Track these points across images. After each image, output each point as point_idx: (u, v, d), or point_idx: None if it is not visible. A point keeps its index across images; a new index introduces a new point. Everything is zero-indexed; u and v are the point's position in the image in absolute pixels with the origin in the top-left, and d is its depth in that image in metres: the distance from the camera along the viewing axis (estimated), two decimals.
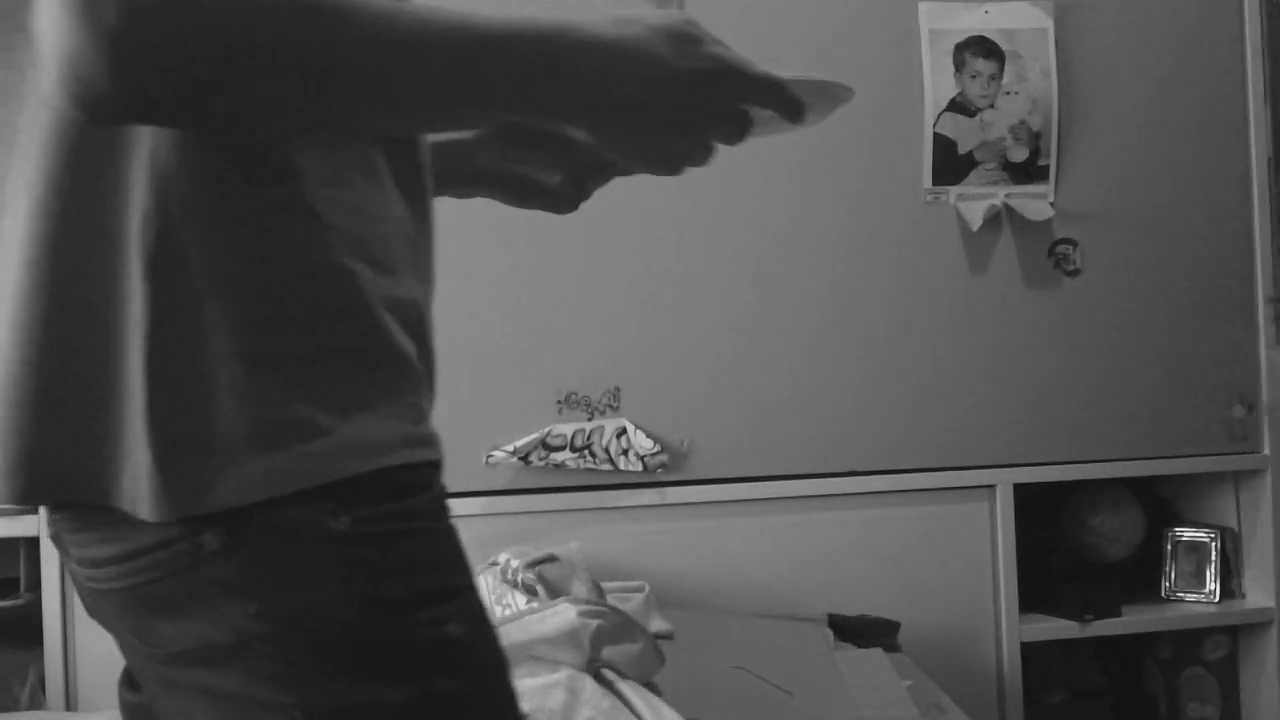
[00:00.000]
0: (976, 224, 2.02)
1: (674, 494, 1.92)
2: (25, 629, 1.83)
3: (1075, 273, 2.07)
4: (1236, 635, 2.21)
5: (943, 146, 2.02)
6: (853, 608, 1.94)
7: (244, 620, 0.68)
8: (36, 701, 1.79)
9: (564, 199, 0.94)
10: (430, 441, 0.74)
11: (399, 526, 0.71)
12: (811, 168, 1.97)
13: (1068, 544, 2.20)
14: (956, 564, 2.01)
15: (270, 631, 0.68)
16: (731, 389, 1.94)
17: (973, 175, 2.03)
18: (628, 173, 0.86)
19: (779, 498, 1.96)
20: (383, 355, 0.73)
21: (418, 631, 0.70)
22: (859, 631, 1.85)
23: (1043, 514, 2.20)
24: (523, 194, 0.93)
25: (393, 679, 0.69)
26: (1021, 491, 2.05)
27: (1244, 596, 2.19)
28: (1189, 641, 2.21)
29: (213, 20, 0.56)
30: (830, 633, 1.81)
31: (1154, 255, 2.09)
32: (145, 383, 0.67)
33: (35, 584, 1.82)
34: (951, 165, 2.02)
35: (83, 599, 0.83)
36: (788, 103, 0.76)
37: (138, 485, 0.68)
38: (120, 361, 0.69)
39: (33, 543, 1.82)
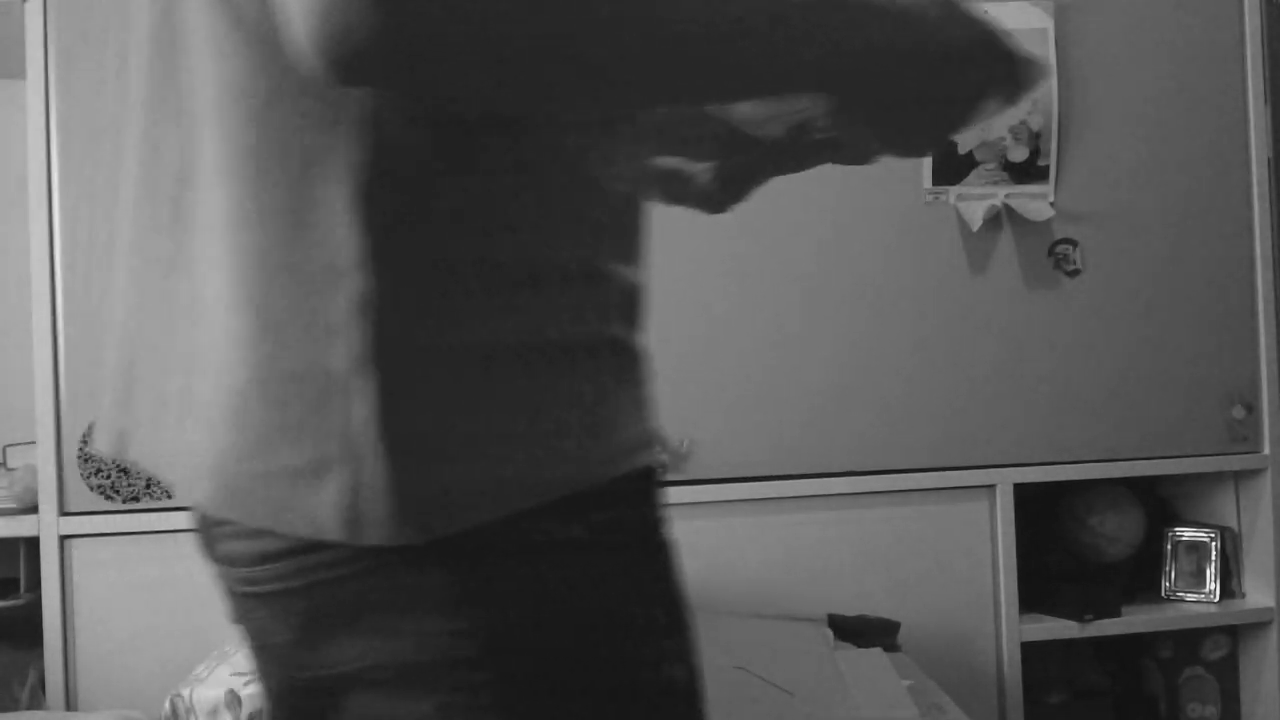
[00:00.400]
0: (976, 224, 2.02)
1: (674, 494, 1.91)
2: (25, 629, 1.83)
3: (1075, 273, 2.07)
4: (1236, 635, 2.21)
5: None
6: (853, 608, 1.94)
7: (446, 639, 0.57)
8: (36, 701, 1.79)
9: (715, 197, 0.86)
10: (658, 440, 0.67)
11: (634, 537, 0.62)
12: (813, 170, 1.97)
13: (1068, 544, 2.20)
14: (956, 564, 2.01)
15: (478, 656, 0.57)
16: (731, 389, 1.94)
17: (973, 175, 2.03)
18: (782, 171, 0.79)
19: (779, 498, 1.96)
20: (626, 346, 0.65)
21: (644, 674, 0.61)
22: (859, 631, 1.85)
23: (1043, 514, 2.20)
24: (672, 191, 0.84)
25: None
26: (1021, 491, 2.05)
27: (1244, 596, 2.19)
28: (1189, 641, 2.21)
29: None
30: (830, 633, 1.80)
31: (1154, 255, 2.09)
32: (375, 380, 0.56)
33: (35, 584, 1.82)
34: (951, 165, 2.02)
35: (232, 606, 0.70)
36: (1025, 83, 0.65)
37: (357, 499, 0.56)
38: (337, 356, 0.57)
39: (33, 543, 1.82)
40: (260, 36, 0.58)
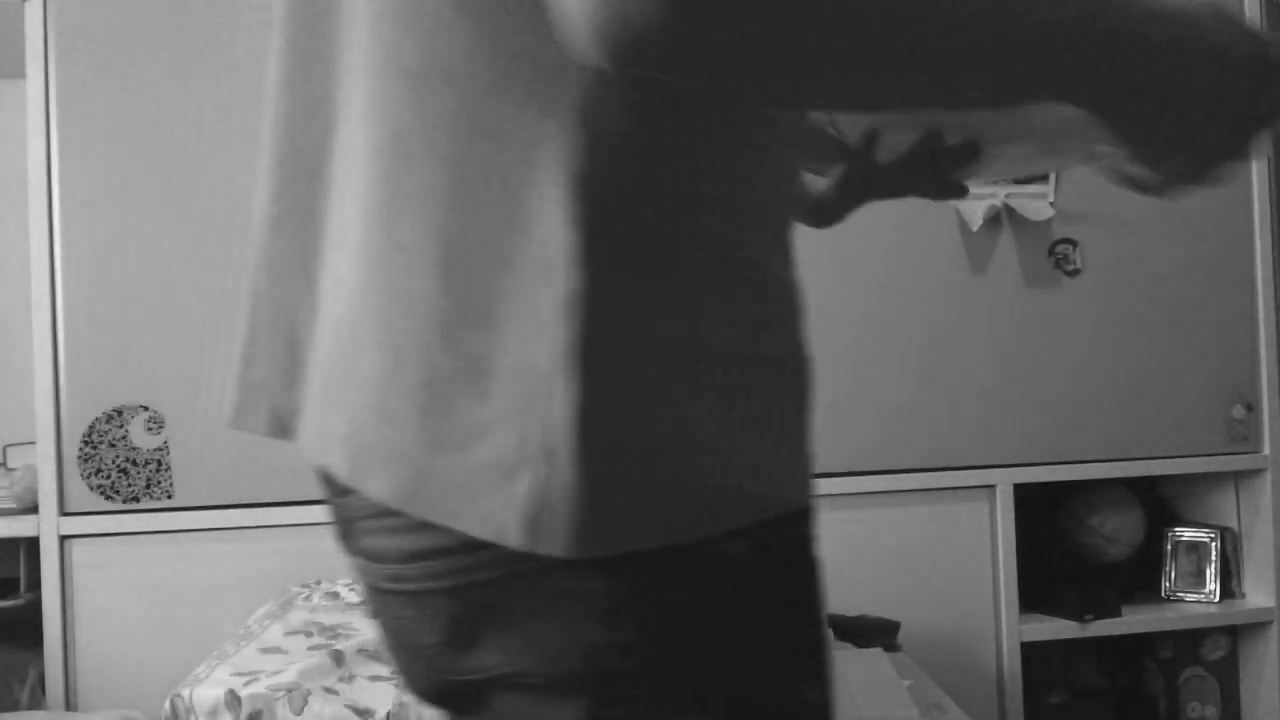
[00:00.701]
0: (976, 224, 2.02)
1: None
2: (25, 629, 1.83)
3: (1075, 273, 2.07)
4: (1236, 635, 2.21)
5: None
6: (853, 608, 1.94)
7: (603, 650, 0.55)
8: (36, 701, 1.79)
9: (826, 211, 0.80)
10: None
11: (794, 556, 0.60)
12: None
13: (1068, 544, 2.20)
14: (957, 564, 2.01)
15: (634, 670, 0.56)
16: None
17: None
18: (900, 194, 0.73)
19: None
20: (802, 361, 0.63)
21: (787, 697, 0.59)
22: (859, 631, 1.85)
23: (1043, 514, 2.20)
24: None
25: None
26: (1021, 491, 2.05)
27: (1244, 596, 2.19)
28: (1189, 641, 2.21)
29: None
30: (830, 633, 1.80)
31: (1154, 255, 2.09)
32: (578, 380, 0.54)
33: (35, 584, 1.82)
34: None
35: (371, 602, 0.69)
36: None
37: (544, 505, 0.54)
38: (542, 352, 0.55)
39: (32, 543, 1.82)
40: (483, 15, 0.56)
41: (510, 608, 0.57)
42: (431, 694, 0.65)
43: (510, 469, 0.54)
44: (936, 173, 0.81)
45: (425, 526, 0.57)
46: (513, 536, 0.54)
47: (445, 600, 0.59)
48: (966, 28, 0.50)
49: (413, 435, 0.57)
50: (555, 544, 0.53)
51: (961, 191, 0.86)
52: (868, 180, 0.82)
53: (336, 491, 0.65)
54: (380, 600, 0.66)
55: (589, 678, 0.56)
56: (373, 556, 0.64)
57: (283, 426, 0.70)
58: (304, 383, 0.67)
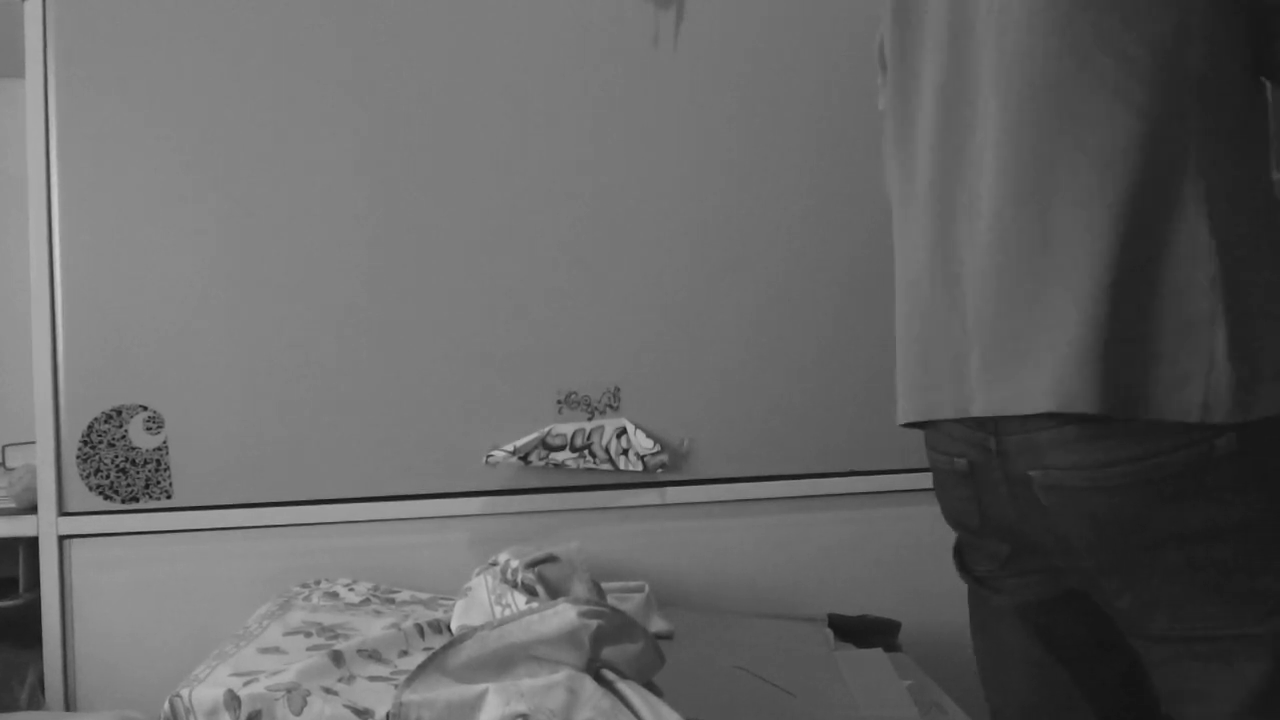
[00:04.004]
0: None
1: (674, 494, 1.92)
2: (24, 629, 1.83)
3: None
4: None
5: None
6: (853, 608, 1.94)
7: (1244, 509, 0.89)
8: (36, 701, 1.79)
9: None
10: None
11: None
12: (811, 168, 1.97)
13: None
14: None
15: (1262, 518, 0.90)
16: (731, 389, 1.94)
17: None
18: None
19: (779, 498, 1.96)
20: None
21: None
22: (859, 631, 1.85)
23: None
24: None
25: None
26: None
27: None
28: None
29: None
30: (830, 633, 1.80)
31: None
32: (1223, 307, 0.88)
33: (35, 584, 1.82)
34: None
35: (1042, 498, 0.99)
36: None
37: (1207, 397, 0.88)
38: (1190, 276, 0.90)
39: (31, 543, 1.82)
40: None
41: (1182, 490, 0.89)
42: (1099, 564, 0.97)
43: (1189, 376, 0.88)
44: None
45: (1120, 444, 0.90)
46: (1198, 414, 0.88)
47: (1129, 493, 0.90)
48: None
49: (1124, 363, 0.90)
50: (1224, 414, 0.87)
51: None
52: None
53: (1012, 430, 0.98)
54: (1059, 496, 0.96)
55: (1237, 528, 0.89)
56: (1063, 466, 0.94)
57: (957, 409, 1.06)
58: (975, 369, 1.02)
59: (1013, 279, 0.96)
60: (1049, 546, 1.03)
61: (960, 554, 1.21)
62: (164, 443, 1.80)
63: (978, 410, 1.03)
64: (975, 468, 1.08)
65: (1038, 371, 0.94)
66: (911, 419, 1.18)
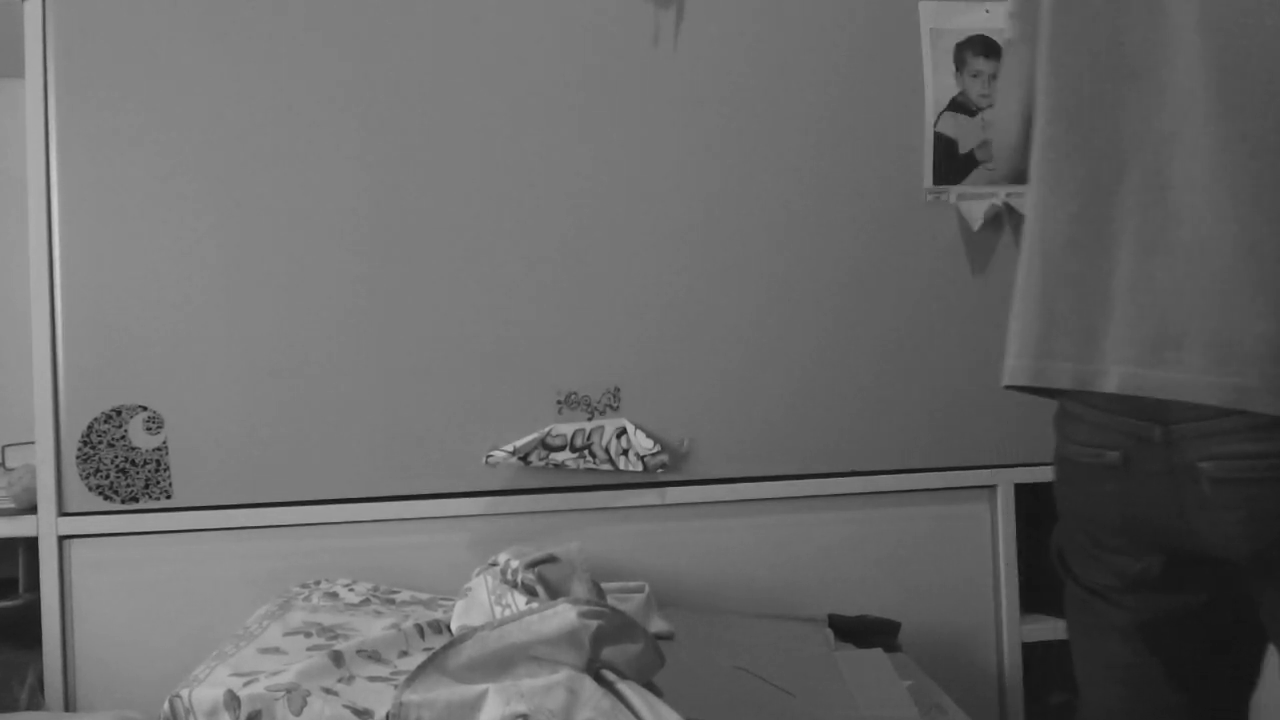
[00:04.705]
0: (977, 224, 2.02)
1: (674, 494, 1.92)
2: (24, 629, 1.83)
3: None
4: None
5: (943, 146, 2.02)
6: (853, 608, 1.94)
7: None
8: (35, 701, 1.78)
9: None
10: None
11: None
12: (812, 168, 1.97)
13: None
14: (957, 564, 2.01)
15: None
16: (731, 389, 1.94)
17: (974, 175, 2.03)
18: None
19: (779, 498, 1.96)
20: None
21: None
22: (859, 631, 1.84)
23: (1043, 514, 2.20)
24: None
25: None
26: (1021, 491, 2.05)
27: None
28: None
29: None
30: (830, 633, 1.80)
31: None
32: None
33: (35, 584, 1.82)
34: (952, 165, 2.02)
35: (1208, 490, 1.00)
36: None
37: None
38: None
39: (31, 543, 1.82)
40: None
41: None
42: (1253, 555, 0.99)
43: None
44: None
45: (1259, 439, 0.92)
46: None
47: (1256, 487, 0.93)
48: None
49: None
50: None
51: None
52: None
53: (1176, 419, 1.00)
54: (1210, 486, 0.98)
55: None
56: (1210, 457, 0.97)
57: (1081, 381, 1.10)
58: (1108, 346, 1.06)
59: (1225, 275, 0.98)
60: (1203, 543, 1.02)
61: (1064, 558, 1.21)
62: (164, 443, 1.80)
63: (1149, 390, 1.03)
64: (1130, 460, 1.06)
65: (1223, 366, 0.96)
66: (1057, 384, 1.16)
